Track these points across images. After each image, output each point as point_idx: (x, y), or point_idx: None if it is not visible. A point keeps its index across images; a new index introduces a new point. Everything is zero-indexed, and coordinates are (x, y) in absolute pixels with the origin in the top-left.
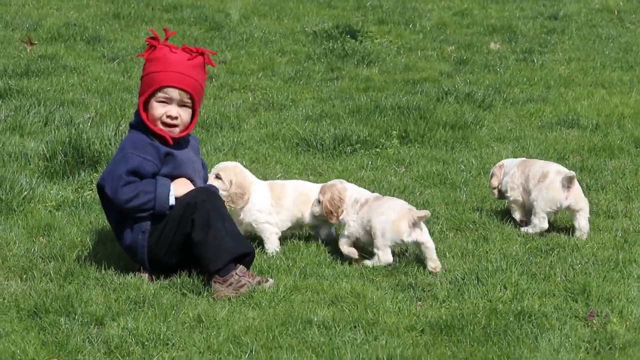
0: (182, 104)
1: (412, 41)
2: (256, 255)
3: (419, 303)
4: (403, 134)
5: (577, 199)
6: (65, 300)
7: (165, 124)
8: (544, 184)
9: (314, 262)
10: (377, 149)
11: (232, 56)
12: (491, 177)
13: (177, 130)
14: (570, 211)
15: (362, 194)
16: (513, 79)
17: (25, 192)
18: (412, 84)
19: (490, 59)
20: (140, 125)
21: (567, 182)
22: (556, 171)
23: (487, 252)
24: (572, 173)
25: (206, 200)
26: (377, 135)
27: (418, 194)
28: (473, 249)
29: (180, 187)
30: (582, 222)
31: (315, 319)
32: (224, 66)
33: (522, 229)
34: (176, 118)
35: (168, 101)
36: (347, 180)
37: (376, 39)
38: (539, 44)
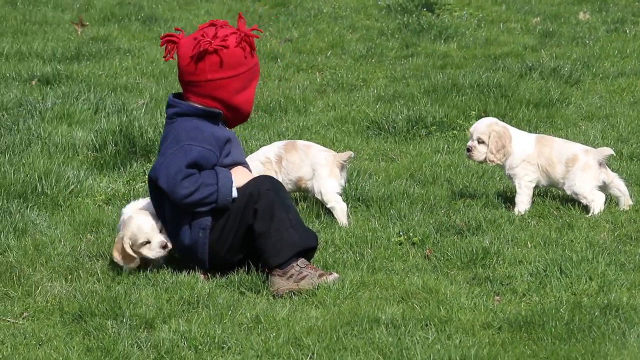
0: None
1: (494, 13)
2: (321, 249)
3: (497, 298)
4: (482, 114)
5: (607, 171)
6: (112, 302)
7: None
8: (577, 166)
9: (384, 255)
10: (455, 131)
11: (299, 34)
12: (470, 150)
13: None
14: (607, 185)
15: (265, 152)
16: (603, 51)
17: (73, 186)
18: (494, 59)
19: (579, 31)
20: (197, 112)
21: (605, 160)
22: (584, 151)
23: (571, 240)
24: (610, 151)
25: (270, 190)
26: (454, 116)
27: (498, 179)
28: (557, 238)
29: (239, 177)
30: (622, 187)
31: (383, 318)
32: (290, 45)
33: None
34: None
35: None
36: (423, 165)
37: (455, 11)
38: (632, 13)
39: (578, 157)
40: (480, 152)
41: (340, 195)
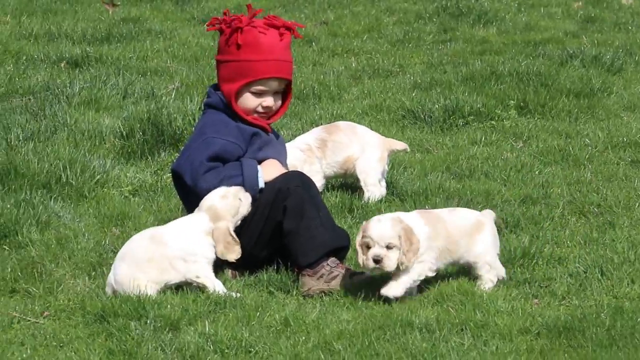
0: (276, 92)
1: None
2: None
3: (535, 301)
4: (521, 103)
5: None
6: (136, 302)
7: (258, 113)
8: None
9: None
10: (492, 121)
11: (335, 16)
12: (380, 260)
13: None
14: None
15: (304, 140)
16: None
17: (99, 176)
18: (534, 45)
19: (622, 16)
20: (221, 105)
21: None
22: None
23: (613, 240)
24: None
25: (300, 186)
26: (493, 105)
27: (537, 172)
28: (597, 237)
29: (269, 170)
30: None
31: (417, 321)
32: (326, 28)
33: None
34: (271, 108)
35: (264, 92)
36: (459, 157)
37: None
38: None
39: (484, 224)
40: (392, 260)
41: (380, 182)
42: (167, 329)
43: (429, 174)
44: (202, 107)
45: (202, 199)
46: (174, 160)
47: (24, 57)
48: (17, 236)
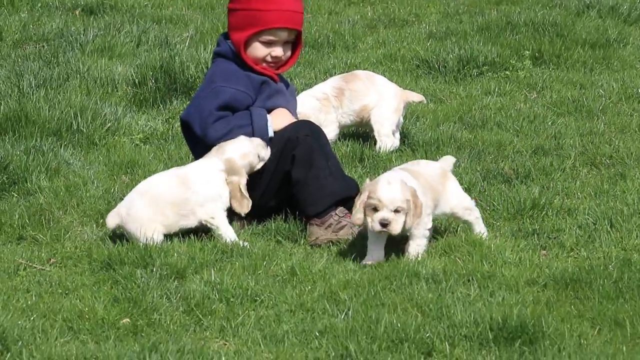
0: (286, 42)
1: None
2: None
3: (543, 252)
4: (536, 54)
5: None
6: (143, 250)
7: (266, 62)
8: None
9: None
10: (507, 72)
11: None
12: (387, 224)
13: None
14: None
15: (320, 88)
16: None
17: (110, 124)
18: None
19: None
20: (231, 54)
21: None
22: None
23: (623, 192)
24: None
25: (309, 135)
26: (508, 55)
27: (550, 123)
28: (608, 189)
29: (278, 119)
30: None
31: (424, 272)
32: None
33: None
34: (280, 58)
35: (274, 42)
36: (472, 107)
37: None
38: None
39: (446, 171)
40: (399, 224)
41: (394, 133)
42: (172, 277)
43: (441, 124)
44: (213, 56)
45: (211, 148)
46: (184, 110)
47: (39, 4)
48: (26, 183)
